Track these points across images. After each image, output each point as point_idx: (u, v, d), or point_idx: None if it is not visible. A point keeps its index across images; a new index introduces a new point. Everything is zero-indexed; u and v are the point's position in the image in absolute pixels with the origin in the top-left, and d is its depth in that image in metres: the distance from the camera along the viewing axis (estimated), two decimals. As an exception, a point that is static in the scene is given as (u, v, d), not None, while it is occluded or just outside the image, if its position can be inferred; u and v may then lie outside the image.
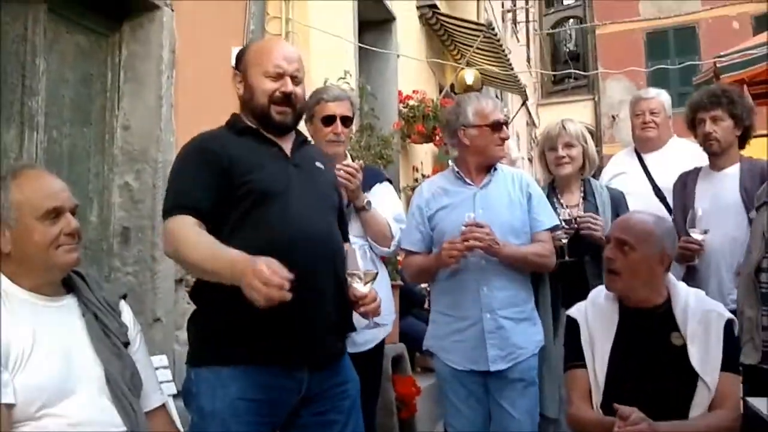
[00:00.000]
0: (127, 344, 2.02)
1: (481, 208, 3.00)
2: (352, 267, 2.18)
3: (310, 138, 2.71)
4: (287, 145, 2.34)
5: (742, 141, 3.46)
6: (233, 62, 4.72)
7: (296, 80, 2.30)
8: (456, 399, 3.04)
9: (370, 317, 2.19)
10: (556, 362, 3.04)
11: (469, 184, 3.09)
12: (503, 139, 3.10)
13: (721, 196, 3.32)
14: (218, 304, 2.11)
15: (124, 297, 2.14)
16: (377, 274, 2.21)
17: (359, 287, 2.17)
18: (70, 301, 1.97)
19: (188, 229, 2.09)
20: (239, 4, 4.81)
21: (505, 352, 2.96)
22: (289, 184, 2.22)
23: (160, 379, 2.31)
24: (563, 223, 3.15)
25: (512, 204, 3.07)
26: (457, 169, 3.13)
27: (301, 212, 2.18)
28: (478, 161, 3.11)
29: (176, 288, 3.94)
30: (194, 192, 2.15)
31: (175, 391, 2.66)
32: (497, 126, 3.07)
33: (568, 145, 3.30)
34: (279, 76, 2.27)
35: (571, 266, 3.17)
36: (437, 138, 7.31)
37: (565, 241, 3.12)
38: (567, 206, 3.29)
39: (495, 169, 3.13)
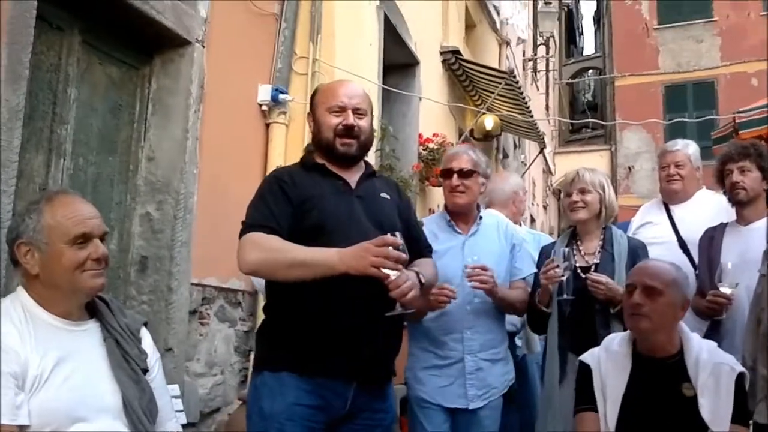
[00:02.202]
0: (145, 371, 2.04)
1: (469, 257, 3.18)
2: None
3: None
4: (354, 178, 2.51)
5: None
6: (260, 99, 4.88)
7: (359, 113, 2.48)
8: (429, 426, 3.15)
9: (397, 303, 2.21)
10: (561, 406, 3.08)
11: (458, 233, 3.27)
12: (452, 187, 3.28)
13: (749, 250, 3.29)
14: (283, 318, 2.37)
15: (146, 324, 2.17)
16: (406, 259, 2.22)
17: (388, 271, 2.18)
18: (92, 326, 2.00)
19: (277, 239, 2.28)
20: (268, 43, 4.91)
21: (482, 391, 3.15)
22: (351, 216, 2.38)
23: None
24: (575, 267, 3.19)
25: (498, 253, 3.29)
26: (448, 217, 3.31)
27: (360, 241, 2.23)
28: (449, 207, 3.34)
29: (189, 319, 3.96)
30: (274, 216, 2.33)
31: (185, 421, 2.66)
32: (447, 173, 3.30)
33: (583, 191, 3.33)
34: (341, 110, 2.46)
35: (579, 313, 3.18)
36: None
37: (564, 278, 3.13)
38: (585, 254, 3.31)
39: (480, 218, 3.33)
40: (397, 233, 2.20)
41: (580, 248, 3.36)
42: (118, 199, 3.77)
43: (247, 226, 2.33)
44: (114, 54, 3.71)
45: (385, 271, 2.15)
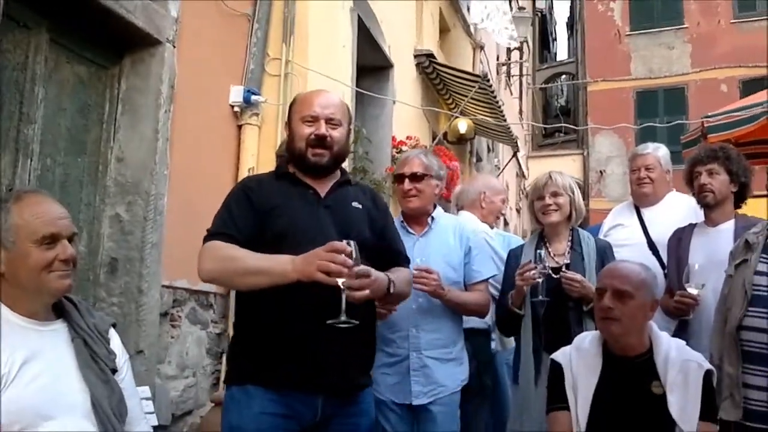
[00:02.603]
0: (114, 371, 2.01)
1: (418, 257, 3.22)
2: None
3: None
4: (325, 188, 2.49)
5: (739, 199, 3.52)
6: (232, 100, 4.85)
7: (332, 123, 2.47)
8: (388, 426, 3.22)
9: (341, 313, 2.13)
10: (537, 406, 3.10)
11: (411, 233, 3.33)
12: (404, 192, 3.35)
13: (715, 251, 3.34)
14: (245, 331, 2.39)
15: (114, 325, 2.14)
16: (356, 268, 2.15)
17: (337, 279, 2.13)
18: (59, 326, 1.97)
19: (234, 247, 2.29)
20: (240, 43, 4.89)
21: (428, 389, 3.18)
22: (315, 225, 2.36)
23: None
24: (549, 270, 3.21)
25: (448, 254, 3.32)
26: (402, 219, 3.39)
27: None
28: (403, 210, 3.42)
29: (160, 321, 3.92)
30: (234, 223, 2.34)
31: (156, 423, 2.64)
32: (400, 178, 3.38)
33: (555, 194, 3.40)
34: (314, 120, 2.45)
35: (553, 312, 3.22)
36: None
37: (540, 280, 3.17)
38: (554, 255, 3.36)
39: (432, 219, 3.38)
40: (352, 242, 2.15)
41: (549, 250, 3.41)
42: (87, 201, 3.72)
43: (209, 235, 2.35)
44: (83, 53, 3.66)
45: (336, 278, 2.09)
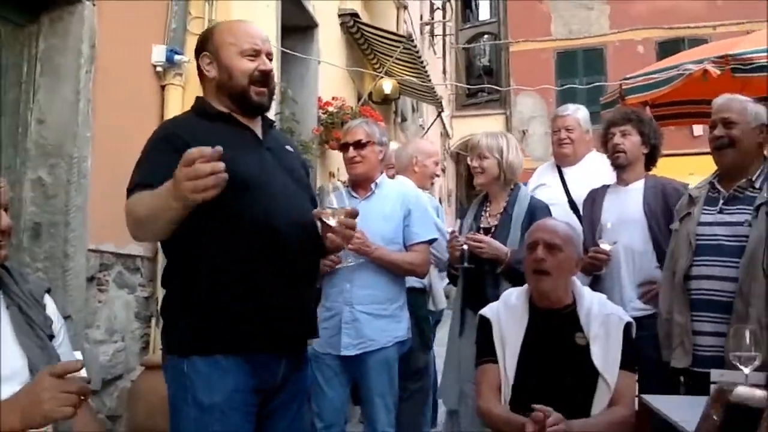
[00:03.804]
0: (51, 337, 1.99)
1: (358, 219, 3.30)
2: (326, 204, 2.19)
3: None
4: (258, 129, 2.31)
5: (650, 161, 3.69)
6: (154, 60, 4.72)
7: (269, 58, 2.27)
8: (321, 380, 3.42)
9: (341, 253, 2.19)
10: (460, 359, 3.32)
11: (354, 197, 3.46)
12: (349, 159, 3.53)
13: (625, 210, 3.53)
14: (204, 296, 2.11)
15: (49, 291, 2.11)
16: (351, 211, 2.21)
17: (328, 220, 2.17)
18: None
19: (136, 196, 1.99)
20: (161, 2, 4.76)
21: (357, 341, 3.35)
22: (265, 171, 2.20)
23: (75, 376, 2.29)
24: (482, 231, 3.37)
25: (387, 217, 3.48)
26: (347, 185, 3.53)
27: (281, 199, 2.16)
28: (350, 177, 3.60)
29: (87, 286, 3.87)
30: (152, 173, 2.00)
31: (89, 388, 2.63)
32: (345, 147, 3.56)
33: (480, 157, 3.51)
34: (256, 54, 2.23)
35: (473, 273, 3.38)
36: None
37: (465, 247, 3.31)
38: (490, 215, 3.47)
39: (376, 185, 3.51)
40: (339, 184, 2.21)
41: (488, 210, 3.52)
42: (8, 164, 3.61)
43: (127, 192, 2.07)
44: (-3, 11, 3.52)
45: (324, 219, 2.15)
